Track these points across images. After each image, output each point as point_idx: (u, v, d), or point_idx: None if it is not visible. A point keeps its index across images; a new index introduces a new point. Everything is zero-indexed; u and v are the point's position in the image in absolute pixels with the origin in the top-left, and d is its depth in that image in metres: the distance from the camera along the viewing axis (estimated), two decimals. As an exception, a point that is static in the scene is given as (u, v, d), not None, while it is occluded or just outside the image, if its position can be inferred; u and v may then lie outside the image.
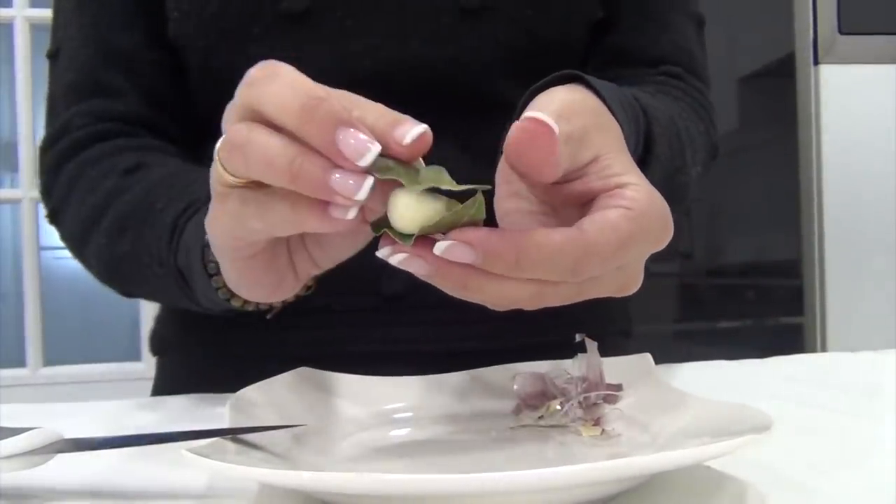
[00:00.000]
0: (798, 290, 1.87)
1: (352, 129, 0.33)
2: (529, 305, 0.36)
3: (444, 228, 0.34)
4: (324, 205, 0.34)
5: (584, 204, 0.38)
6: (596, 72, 0.68)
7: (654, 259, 0.39)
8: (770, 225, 2.03)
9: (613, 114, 0.41)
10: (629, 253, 0.35)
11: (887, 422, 0.46)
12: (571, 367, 0.47)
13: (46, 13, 1.99)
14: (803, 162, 1.85)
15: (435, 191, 0.35)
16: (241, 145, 0.35)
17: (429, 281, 0.35)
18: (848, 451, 0.41)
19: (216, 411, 0.53)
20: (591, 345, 0.46)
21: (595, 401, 0.45)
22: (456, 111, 0.63)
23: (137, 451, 0.40)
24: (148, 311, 1.97)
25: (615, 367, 0.47)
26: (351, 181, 0.33)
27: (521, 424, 0.46)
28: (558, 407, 0.46)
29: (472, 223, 0.34)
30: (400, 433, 0.46)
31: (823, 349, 1.80)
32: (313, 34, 0.62)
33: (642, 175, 0.38)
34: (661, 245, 0.37)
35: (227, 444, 0.36)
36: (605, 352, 0.47)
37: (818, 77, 1.81)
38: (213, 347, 0.67)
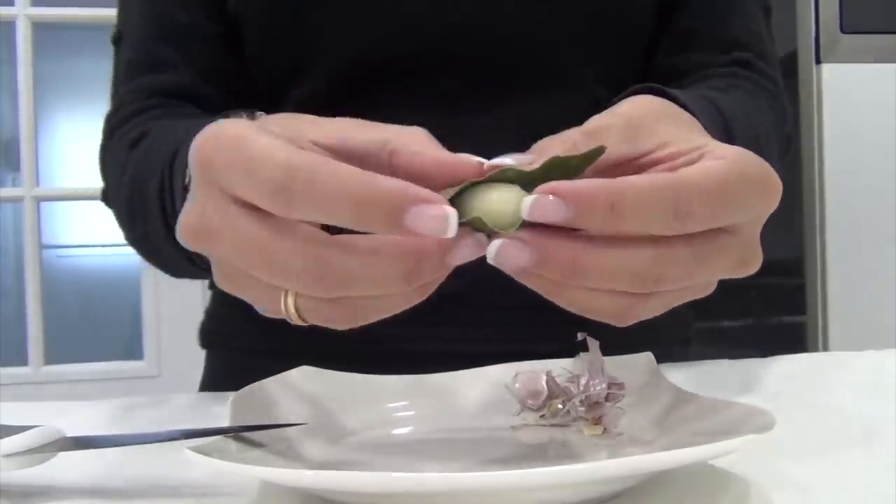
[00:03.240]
0: (800, 289, 1.87)
1: (417, 207, 0.29)
2: (647, 284, 0.32)
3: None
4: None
5: None
6: (667, 59, 0.68)
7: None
8: (771, 224, 2.02)
9: (694, 116, 0.41)
10: (734, 200, 0.32)
11: (889, 421, 0.46)
12: (573, 366, 0.47)
13: (48, 11, 2.00)
14: (805, 161, 1.84)
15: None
16: (334, 281, 0.31)
17: (524, 279, 0.32)
18: (850, 451, 0.41)
19: (217, 410, 0.53)
20: (593, 343, 0.46)
21: (597, 399, 0.45)
22: (515, 86, 0.62)
23: (139, 449, 0.40)
24: (150, 311, 1.98)
25: (617, 366, 0.47)
26: (471, 243, 0.31)
27: (523, 423, 0.46)
28: (560, 406, 0.46)
29: None
30: (401, 432, 0.46)
31: (825, 348, 1.80)
32: (374, 3, 0.62)
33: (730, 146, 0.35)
34: (769, 201, 0.34)
35: (228, 443, 0.36)
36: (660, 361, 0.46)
37: (820, 76, 1.81)
38: (261, 341, 0.67)
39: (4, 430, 0.36)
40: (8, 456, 0.35)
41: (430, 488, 0.29)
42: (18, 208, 2.06)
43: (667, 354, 0.50)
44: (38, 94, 2.01)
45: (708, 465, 0.37)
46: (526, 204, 0.30)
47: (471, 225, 0.32)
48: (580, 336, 0.46)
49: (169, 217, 0.53)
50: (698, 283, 0.35)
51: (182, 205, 0.46)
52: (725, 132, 0.53)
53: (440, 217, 0.29)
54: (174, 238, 0.49)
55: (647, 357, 0.49)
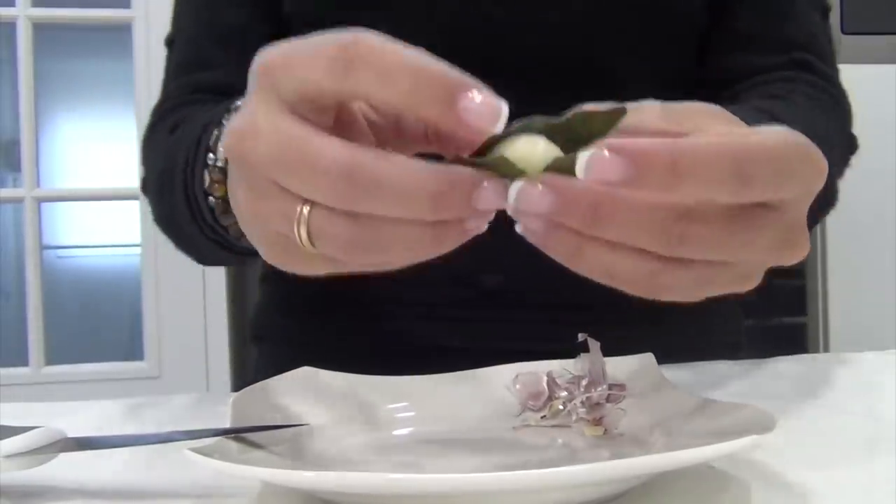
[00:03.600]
0: (800, 290, 1.87)
1: (472, 91, 0.29)
2: (671, 241, 0.30)
3: (562, 173, 0.30)
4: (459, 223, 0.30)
5: None
6: (722, 62, 0.67)
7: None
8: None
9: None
10: (792, 167, 0.30)
11: (890, 422, 0.46)
12: (574, 367, 0.47)
13: (49, 12, 2.00)
14: (806, 162, 1.84)
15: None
16: (362, 182, 0.29)
17: (544, 240, 0.31)
18: (851, 452, 0.41)
19: (219, 410, 0.53)
20: (594, 344, 0.46)
21: (598, 400, 0.45)
22: (567, 86, 0.62)
23: (140, 450, 0.40)
24: (150, 312, 1.98)
25: (618, 367, 0.47)
26: (498, 186, 0.29)
27: (524, 424, 0.46)
28: (561, 406, 0.46)
29: None
30: (402, 433, 0.46)
31: (826, 349, 1.80)
32: (426, 4, 0.63)
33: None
34: (818, 177, 0.32)
35: (229, 444, 0.36)
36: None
37: (820, 77, 1.81)
38: (310, 335, 0.67)
39: (5, 431, 0.36)
40: (9, 457, 0.35)
41: (430, 489, 0.29)
42: (19, 209, 2.06)
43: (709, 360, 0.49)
44: (39, 95, 2.01)
45: (709, 467, 0.37)
46: (582, 160, 0.29)
47: (495, 170, 0.31)
48: (581, 337, 0.46)
49: (189, 195, 0.52)
50: (737, 268, 0.33)
51: (201, 181, 0.46)
52: None
53: (493, 106, 0.29)
54: (195, 219, 0.48)
55: (648, 358, 0.49)
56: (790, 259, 0.33)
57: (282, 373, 0.64)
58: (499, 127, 0.29)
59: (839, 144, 0.63)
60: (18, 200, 2.00)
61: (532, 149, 0.31)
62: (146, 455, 0.42)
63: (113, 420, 0.55)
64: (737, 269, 0.33)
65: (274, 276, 0.74)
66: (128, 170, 2.01)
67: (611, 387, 0.45)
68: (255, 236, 0.35)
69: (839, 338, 1.80)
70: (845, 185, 1.93)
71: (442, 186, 0.29)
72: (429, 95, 0.29)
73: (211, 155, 0.48)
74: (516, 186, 0.30)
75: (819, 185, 0.32)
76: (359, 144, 0.30)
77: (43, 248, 2.03)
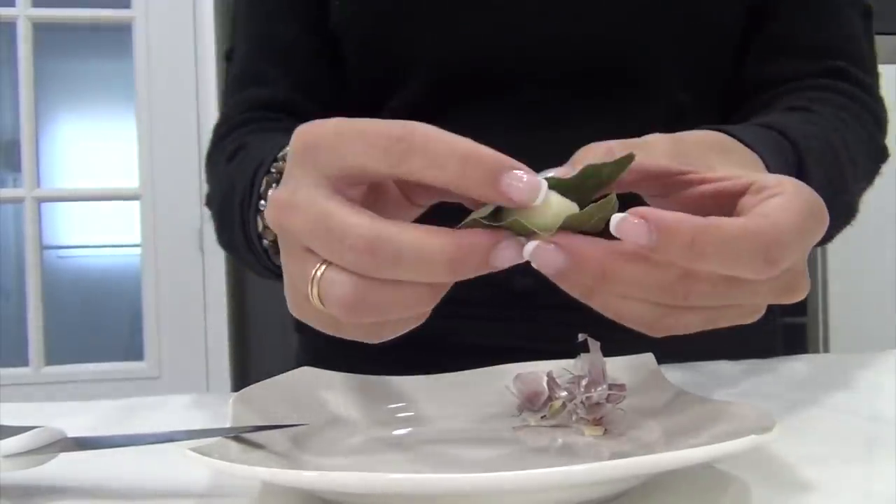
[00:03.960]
0: (800, 290, 1.87)
1: (514, 171, 0.31)
2: (676, 298, 0.33)
3: (576, 228, 0.33)
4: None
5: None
6: (757, 68, 0.67)
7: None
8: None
9: (753, 149, 0.41)
10: (807, 239, 0.33)
11: (890, 422, 0.46)
12: (574, 367, 0.47)
13: (49, 12, 2.00)
14: (806, 162, 1.84)
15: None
16: (383, 253, 0.32)
17: (559, 281, 0.34)
18: (850, 452, 0.41)
19: (219, 410, 0.53)
20: (594, 344, 0.46)
21: (598, 400, 0.45)
22: (602, 93, 0.63)
23: (140, 450, 0.40)
24: (150, 312, 1.98)
25: (618, 367, 0.47)
26: (513, 245, 0.32)
27: (524, 424, 0.46)
28: (561, 406, 0.46)
29: (601, 223, 0.33)
30: (402, 432, 0.46)
31: (826, 350, 1.80)
32: (465, 13, 0.64)
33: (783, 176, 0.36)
34: (821, 233, 0.34)
35: (229, 444, 0.36)
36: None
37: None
38: None
39: (5, 431, 0.36)
40: (9, 457, 0.35)
41: (430, 489, 0.29)
42: (19, 209, 2.06)
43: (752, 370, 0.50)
44: (39, 95, 2.01)
45: (709, 467, 0.37)
46: (614, 221, 0.32)
47: (511, 229, 0.33)
48: (581, 337, 0.46)
49: (246, 232, 0.55)
50: (744, 306, 0.35)
51: (255, 224, 0.50)
52: (795, 156, 0.52)
53: (533, 183, 0.31)
54: (253, 249, 0.50)
55: (648, 358, 0.49)
56: (790, 300, 0.35)
57: (319, 361, 0.65)
58: (540, 199, 0.32)
59: (865, 156, 0.63)
60: (19, 200, 2.00)
61: (546, 206, 0.32)
62: (146, 455, 0.42)
63: (113, 420, 0.55)
64: (741, 309, 0.35)
65: None
66: (128, 170, 2.01)
67: (611, 387, 0.45)
68: (286, 289, 0.38)
69: (839, 338, 1.80)
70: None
71: (460, 253, 0.32)
72: (475, 178, 0.31)
73: (262, 202, 0.51)
74: (531, 246, 0.32)
75: (819, 237, 0.34)
76: (382, 219, 0.33)
77: (43, 248, 2.03)
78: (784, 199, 0.33)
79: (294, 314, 0.38)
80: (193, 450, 0.32)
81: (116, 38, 2.09)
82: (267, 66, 0.70)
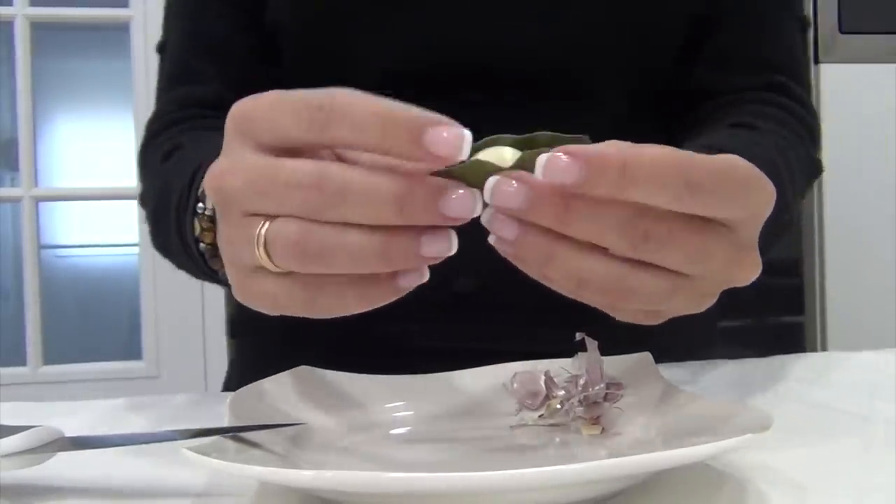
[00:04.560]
0: (798, 289, 1.87)
1: (436, 127, 0.31)
2: (636, 240, 0.32)
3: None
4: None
5: None
6: (699, 79, 0.68)
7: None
8: (770, 224, 2.03)
9: None
10: (737, 188, 0.33)
11: (887, 421, 0.46)
12: (571, 366, 0.47)
13: (47, 12, 2.00)
14: (804, 161, 1.85)
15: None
16: (330, 189, 0.32)
17: (517, 249, 0.33)
18: (847, 450, 0.41)
19: (216, 410, 0.53)
20: (591, 343, 0.46)
21: (595, 399, 0.45)
22: (543, 99, 0.63)
23: (137, 449, 0.40)
24: (148, 311, 1.98)
25: (615, 366, 0.47)
26: (465, 193, 0.32)
27: (521, 423, 0.46)
28: (558, 406, 0.46)
29: None
30: (400, 432, 0.46)
31: (824, 348, 1.80)
32: (408, 14, 0.63)
33: None
34: (765, 203, 0.35)
35: (226, 443, 0.36)
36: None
37: (818, 76, 1.81)
38: (286, 333, 0.67)
39: (3, 430, 0.36)
40: (6, 456, 0.35)
41: (427, 488, 0.29)
42: (17, 208, 2.06)
43: (693, 357, 0.50)
44: (37, 94, 2.01)
45: (705, 465, 0.37)
46: (540, 162, 0.31)
47: (468, 178, 0.32)
48: (578, 336, 0.46)
49: (182, 235, 0.54)
50: (697, 286, 0.35)
51: (191, 227, 0.48)
52: None
53: (456, 136, 0.31)
54: (189, 252, 0.50)
55: (645, 357, 0.49)
56: (743, 279, 0.36)
57: (257, 370, 0.64)
58: (464, 152, 0.31)
59: (801, 173, 0.64)
60: (16, 200, 2.00)
61: (501, 155, 0.33)
62: (144, 454, 0.42)
63: (110, 419, 0.55)
64: (696, 287, 0.35)
65: None
66: (126, 169, 2.00)
67: (608, 386, 0.45)
68: (228, 269, 0.38)
69: (837, 337, 1.80)
70: (844, 185, 1.93)
71: (408, 190, 0.31)
72: (397, 137, 0.31)
73: (200, 204, 0.50)
74: (492, 181, 0.32)
75: (766, 211, 0.35)
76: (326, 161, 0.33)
77: (41, 247, 2.03)
78: (720, 156, 0.33)
79: (238, 297, 0.38)
80: (191, 449, 0.32)
81: (114, 37, 2.09)
82: (200, 64, 0.68)
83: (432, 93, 0.63)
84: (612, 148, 0.31)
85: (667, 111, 0.68)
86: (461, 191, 0.32)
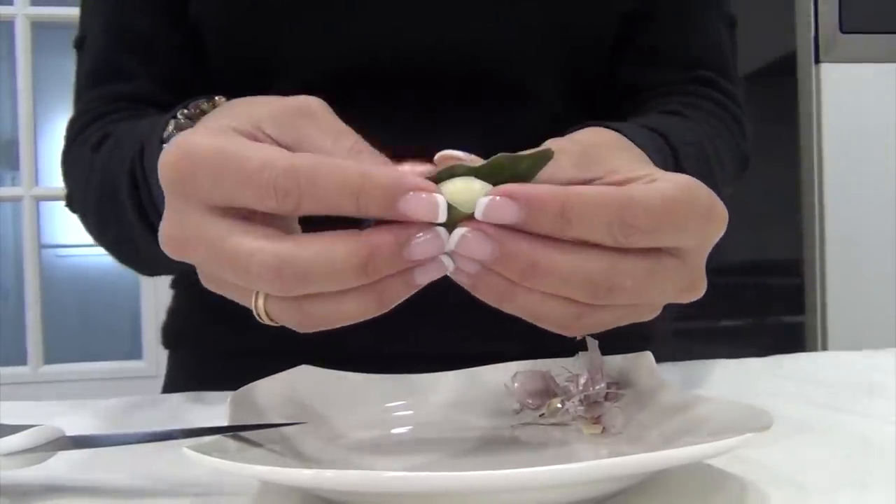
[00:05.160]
0: (799, 288, 1.87)
1: (410, 194, 0.32)
2: (599, 292, 0.33)
3: None
4: (407, 275, 0.33)
5: None
6: (629, 75, 0.68)
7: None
8: (771, 223, 2.03)
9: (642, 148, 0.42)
10: (678, 220, 0.33)
11: (888, 420, 0.46)
12: (572, 365, 0.47)
13: (47, 11, 2.00)
14: (804, 161, 1.85)
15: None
16: (291, 275, 0.32)
17: (476, 284, 0.34)
18: (847, 450, 0.41)
19: (217, 409, 0.53)
20: (592, 343, 0.46)
21: (596, 399, 0.45)
22: (478, 100, 0.62)
23: (138, 448, 0.40)
24: (149, 309, 1.98)
25: (616, 365, 0.47)
26: (429, 236, 0.32)
27: (522, 422, 0.46)
28: (559, 405, 0.46)
29: None
30: (400, 431, 0.46)
31: (824, 348, 1.80)
32: (341, 12, 0.62)
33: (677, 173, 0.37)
34: (714, 228, 0.35)
35: (227, 442, 0.36)
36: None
37: (819, 76, 1.81)
38: (228, 342, 0.66)
39: (3, 430, 0.36)
40: (7, 455, 0.35)
41: (427, 488, 0.29)
42: (18, 207, 2.06)
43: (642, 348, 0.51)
44: (38, 94, 2.01)
45: (706, 465, 0.37)
46: (481, 204, 0.32)
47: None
48: (579, 335, 0.46)
49: (148, 211, 0.53)
50: (645, 304, 0.36)
51: (160, 195, 0.47)
52: (673, 160, 0.54)
53: (430, 202, 0.32)
54: (154, 233, 0.49)
55: (646, 356, 0.49)
56: (688, 299, 0.36)
57: (197, 381, 0.63)
58: (441, 216, 0.32)
59: (730, 163, 0.65)
60: (17, 199, 2.00)
61: (469, 189, 0.33)
62: (144, 453, 0.42)
63: (111, 419, 0.55)
64: (644, 308, 0.36)
65: (187, 281, 0.72)
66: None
67: (609, 385, 0.45)
68: (207, 280, 0.37)
69: (837, 336, 1.80)
70: (844, 184, 1.92)
71: (364, 255, 0.32)
72: (372, 206, 0.32)
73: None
74: (458, 233, 0.32)
75: (718, 233, 0.36)
76: (281, 236, 0.33)
77: (41, 246, 2.03)
78: (660, 184, 0.34)
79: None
80: (192, 448, 0.32)
81: (115, 36, 2.09)
82: (126, 60, 0.65)
83: (366, 93, 0.61)
84: (552, 192, 0.32)
85: (601, 108, 0.68)
86: (426, 234, 0.32)
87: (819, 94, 1.81)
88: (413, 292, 0.34)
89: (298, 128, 0.36)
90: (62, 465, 0.39)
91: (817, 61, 1.81)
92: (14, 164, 2.10)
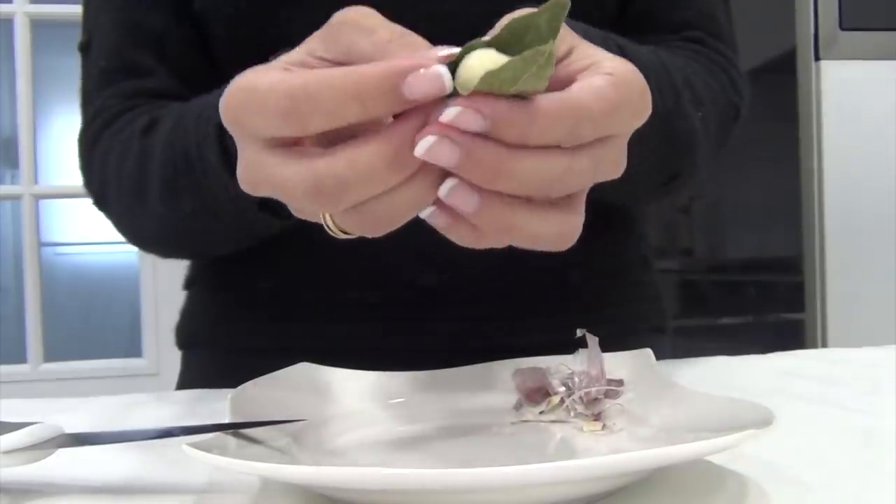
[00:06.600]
0: (799, 286, 1.87)
1: (409, 77, 0.31)
2: (552, 191, 0.34)
3: (506, 85, 0.32)
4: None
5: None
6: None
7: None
8: (771, 221, 2.03)
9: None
10: (616, 118, 0.35)
11: (888, 417, 0.46)
12: (572, 363, 0.47)
13: (47, 9, 2.00)
14: (804, 158, 1.85)
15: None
16: (331, 191, 0.33)
17: (459, 170, 0.33)
18: (848, 447, 0.41)
19: (217, 406, 0.53)
20: (592, 340, 0.46)
21: (596, 396, 0.45)
22: None
23: (138, 446, 0.40)
24: (149, 309, 1.98)
25: (616, 363, 0.47)
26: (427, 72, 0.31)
27: (522, 419, 0.46)
28: (559, 402, 0.46)
29: (537, 82, 0.32)
30: (401, 428, 0.46)
31: (824, 345, 1.80)
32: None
33: (620, 57, 0.38)
34: (642, 117, 0.37)
35: (227, 439, 0.36)
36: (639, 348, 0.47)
37: (819, 73, 1.81)
38: (241, 341, 0.66)
39: (3, 427, 0.36)
40: (7, 452, 0.35)
41: (427, 484, 0.29)
42: (17, 206, 2.06)
43: (639, 343, 0.51)
44: (37, 92, 2.01)
45: (706, 462, 0.37)
46: (450, 112, 0.32)
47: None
48: (580, 332, 0.46)
49: (215, 171, 0.52)
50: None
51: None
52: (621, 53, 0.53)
53: (433, 76, 0.31)
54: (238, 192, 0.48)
55: (646, 353, 0.49)
56: (614, 176, 0.37)
57: (211, 380, 0.63)
58: (447, 86, 0.32)
59: (712, 102, 0.64)
60: (16, 197, 2.00)
61: (486, 61, 0.32)
62: (144, 451, 0.42)
63: (111, 416, 0.55)
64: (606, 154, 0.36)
65: (202, 281, 0.72)
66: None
67: (609, 382, 0.45)
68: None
69: (837, 333, 1.80)
70: (844, 182, 1.91)
71: (390, 146, 0.32)
72: (377, 104, 0.32)
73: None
74: (452, 111, 0.32)
75: (646, 114, 0.37)
76: (316, 154, 0.34)
77: (41, 245, 2.03)
78: (603, 80, 0.35)
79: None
80: (192, 445, 0.32)
81: (114, 34, 2.08)
82: (142, 57, 0.65)
83: None
84: (515, 106, 0.32)
85: None
86: (426, 70, 0.32)
87: (819, 91, 1.81)
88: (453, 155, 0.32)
89: (341, 39, 0.37)
90: (62, 463, 0.38)
91: (817, 58, 1.81)
92: (13, 163, 2.10)
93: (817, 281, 1.82)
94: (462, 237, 0.35)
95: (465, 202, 0.33)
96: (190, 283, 0.74)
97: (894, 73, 1.81)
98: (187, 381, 0.72)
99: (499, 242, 0.36)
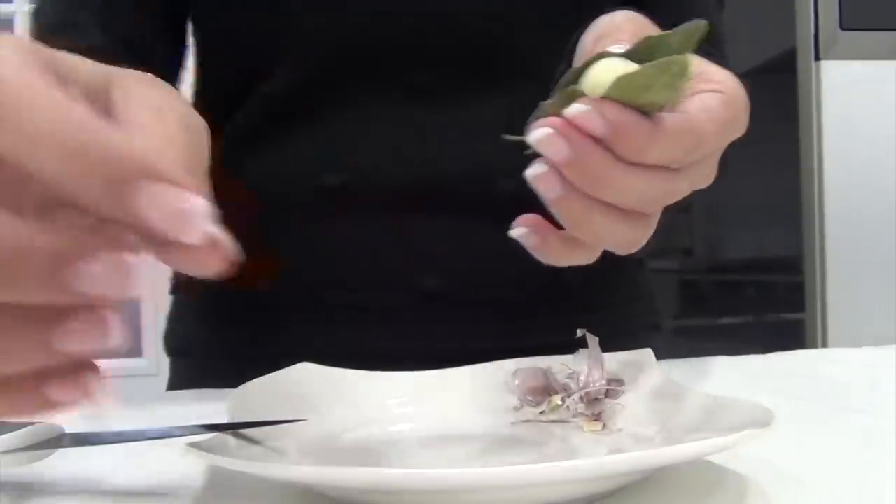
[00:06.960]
0: (799, 286, 1.87)
1: (154, 186, 0.21)
2: (652, 206, 0.35)
3: (639, 92, 0.32)
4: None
5: None
6: None
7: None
8: (771, 221, 2.03)
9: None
10: (723, 138, 0.36)
11: (888, 417, 0.46)
12: (573, 363, 0.47)
13: (47, 9, 2.00)
14: (804, 158, 1.85)
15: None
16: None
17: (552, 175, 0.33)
18: (848, 447, 0.41)
19: (217, 406, 0.53)
20: (593, 340, 0.46)
21: (596, 396, 0.45)
22: (494, 72, 0.62)
23: (138, 446, 0.40)
24: (149, 307, 1.98)
25: (616, 363, 0.47)
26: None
27: (523, 419, 0.46)
28: (560, 402, 0.46)
29: (670, 93, 0.32)
30: (401, 428, 0.46)
31: (824, 345, 1.80)
32: None
33: (722, 68, 0.39)
34: (741, 132, 0.38)
35: (228, 440, 0.36)
36: (636, 347, 0.48)
37: (819, 73, 1.81)
38: (235, 347, 0.66)
39: (3, 427, 0.36)
40: (6, 452, 0.35)
41: (428, 485, 0.29)
42: (17, 206, 2.06)
43: (636, 341, 0.51)
44: (37, 92, 2.01)
45: (706, 461, 0.37)
46: (574, 107, 0.32)
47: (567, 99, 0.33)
48: (580, 332, 0.46)
49: None
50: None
51: None
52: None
53: (187, 209, 0.21)
54: None
55: (646, 353, 0.49)
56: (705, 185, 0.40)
57: (203, 387, 0.62)
58: (193, 236, 0.23)
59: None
60: (17, 197, 2.00)
61: (609, 69, 0.32)
62: (144, 451, 0.42)
63: (111, 417, 0.55)
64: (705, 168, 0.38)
65: (189, 286, 0.70)
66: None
67: (609, 382, 0.45)
68: None
69: (837, 333, 1.80)
70: (844, 182, 1.91)
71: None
72: (89, 178, 0.21)
73: None
74: (574, 108, 0.32)
75: (741, 133, 0.39)
76: None
77: (41, 245, 2.03)
78: (715, 99, 0.36)
79: None
80: (192, 446, 0.32)
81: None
82: (83, 17, 0.63)
83: (381, 75, 0.60)
84: (639, 120, 0.32)
85: None
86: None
87: (819, 91, 1.81)
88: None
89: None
90: (62, 463, 0.39)
91: (817, 58, 1.81)
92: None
93: (817, 281, 1.82)
94: (549, 257, 0.36)
95: (551, 189, 0.33)
96: (174, 289, 0.73)
97: (894, 73, 1.81)
98: (175, 387, 0.71)
99: (583, 260, 0.36)
